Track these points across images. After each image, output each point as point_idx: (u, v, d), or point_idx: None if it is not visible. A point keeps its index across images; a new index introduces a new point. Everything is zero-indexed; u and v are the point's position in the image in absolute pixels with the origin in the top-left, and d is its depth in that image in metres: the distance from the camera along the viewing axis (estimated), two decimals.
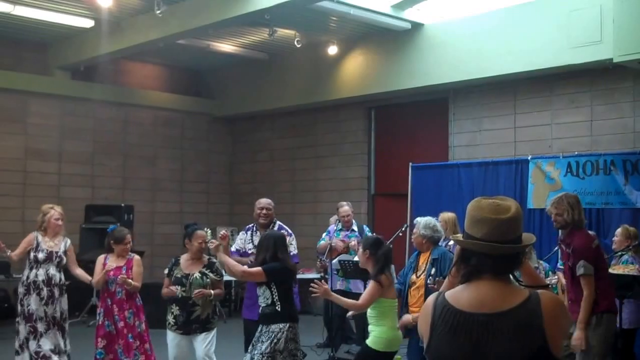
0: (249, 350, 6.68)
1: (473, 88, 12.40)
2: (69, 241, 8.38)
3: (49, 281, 8.04)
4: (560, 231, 6.84)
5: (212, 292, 7.03)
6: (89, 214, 13.28)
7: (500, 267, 2.60)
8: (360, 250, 6.67)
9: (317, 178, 15.19)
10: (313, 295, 6.50)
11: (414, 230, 7.46)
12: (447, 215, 9.29)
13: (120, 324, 7.68)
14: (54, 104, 14.75)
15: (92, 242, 12.23)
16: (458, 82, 12.23)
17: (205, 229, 7.21)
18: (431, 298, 2.68)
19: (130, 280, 7.56)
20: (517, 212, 2.64)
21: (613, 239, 8.51)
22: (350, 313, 7.23)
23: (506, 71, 11.49)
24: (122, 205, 13.56)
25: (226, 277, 13.38)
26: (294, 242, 8.42)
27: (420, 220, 7.43)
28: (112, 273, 7.68)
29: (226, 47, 14.51)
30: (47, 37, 14.16)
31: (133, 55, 14.60)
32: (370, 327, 6.54)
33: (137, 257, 7.95)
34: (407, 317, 6.77)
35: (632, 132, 10.63)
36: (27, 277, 8.03)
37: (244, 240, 8.47)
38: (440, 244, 8.79)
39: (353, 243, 10.11)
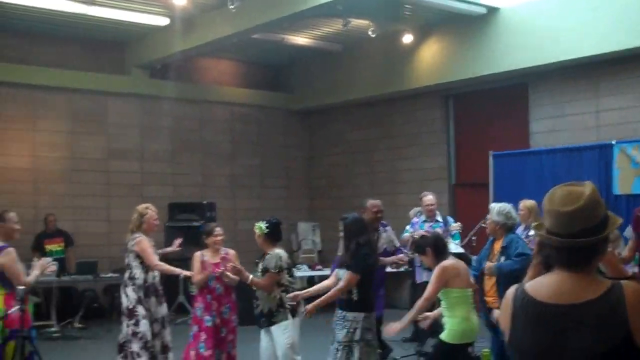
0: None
1: (553, 72, 12.12)
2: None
3: (160, 281, 8.18)
4: None
5: (248, 274, 7.04)
6: (173, 212, 13.46)
7: (574, 259, 2.53)
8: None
9: (395, 169, 15.09)
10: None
11: (488, 217, 7.37)
12: (529, 202, 9.13)
13: (217, 320, 7.76)
14: (132, 103, 15.03)
15: None
16: (537, 67, 11.97)
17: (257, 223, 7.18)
18: (511, 290, 2.68)
19: (228, 273, 7.52)
20: (589, 202, 2.53)
21: None
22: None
23: (587, 53, 11.21)
24: (204, 202, 13.70)
25: (304, 273, 13.49)
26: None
27: (494, 207, 7.35)
28: (211, 269, 7.76)
29: (300, 39, 14.54)
30: (123, 36, 14.41)
31: (208, 51, 14.71)
32: (443, 320, 6.48)
33: (232, 251, 8.02)
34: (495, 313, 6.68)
35: None
36: (145, 280, 7.98)
37: None
38: (521, 232, 8.67)
39: (437, 230, 10.02)
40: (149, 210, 8.20)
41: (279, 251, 7.08)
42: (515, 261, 6.85)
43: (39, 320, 10.71)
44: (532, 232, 8.29)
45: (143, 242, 7.99)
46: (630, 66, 11.26)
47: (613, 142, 10.66)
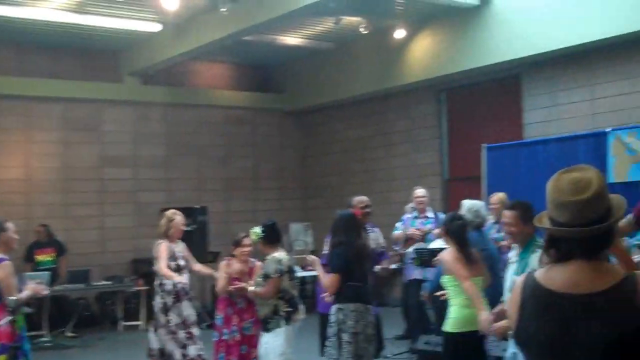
0: None
1: (546, 61, 11.88)
2: (183, 244, 8.32)
3: (190, 286, 8.14)
4: None
5: (246, 288, 7.01)
6: None
7: (592, 248, 2.45)
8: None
9: (390, 166, 14.93)
10: None
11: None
12: (502, 194, 9.27)
13: (237, 336, 7.59)
14: (126, 111, 14.98)
15: None
16: (530, 57, 11.73)
17: (252, 229, 7.07)
18: (520, 278, 2.57)
19: (245, 287, 7.21)
20: (599, 187, 2.45)
21: None
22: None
23: (580, 41, 10.95)
24: (196, 206, 13.58)
25: (301, 274, 13.37)
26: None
27: (465, 203, 7.42)
28: (234, 282, 7.55)
29: (291, 40, 14.46)
30: (116, 44, 14.35)
31: (200, 55, 14.61)
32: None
33: (259, 263, 7.61)
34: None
35: None
36: (174, 285, 7.90)
37: None
38: (490, 227, 8.69)
39: (429, 227, 9.88)
40: (177, 215, 8.18)
41: (278, 254, 6.82)
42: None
43: (31, 330, 10.53)
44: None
45: (160, 247, 7.94)
46: (623, 52, 11.00)
47: (608, 130, 10.45)
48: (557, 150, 10.95)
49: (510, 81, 12.72)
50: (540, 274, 2.51)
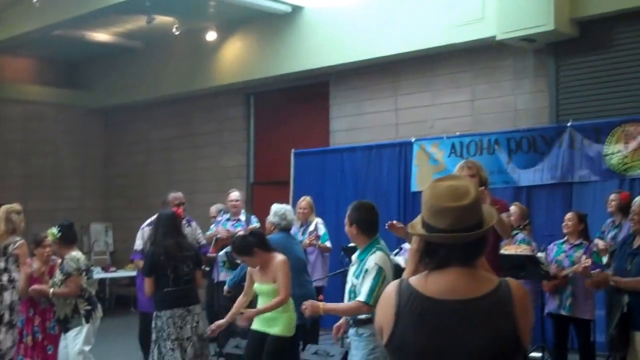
0: None
1: (354, 71, 12.13)
2: None
3: None
4: None
5: (48, 290, 6.87)
6: None
7: (469, 254, 2.51)
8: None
9: (194, 168, 14.77)
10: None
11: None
12: (309, 198, 9.56)
13: (40, 336, 7.35)
14: None
15: None
16: (339, 65, 11.94)
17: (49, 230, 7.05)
18: (393, 285, 2.53)
19: (45, 289, 7.00)
20: (476, 194, 2.52)
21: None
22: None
23: (387, 52, 11.27)
24: None
25: (97, 275, 13.01)
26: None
27: (273, 207, 7.62)
28: (35, 282, 7.30)
29: (101, 36, 14.06)
30: None
31: (6, 48, 13.89)
32: (274, 315, 6.26)
33: (60, 261, 7.33)
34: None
35: (513, 110, 10.51)
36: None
37: None
38: (297, 230, 8.94)
39: (239, 230, 9.82)
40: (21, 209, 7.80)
41: (75, 253, 6.94)
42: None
43: None
44: (312, 228, 9.14)
45: (25, 248, 7.63)
46: (426, 66, 11.39)
47: (412, 140, 10.83)
48: (363, 158, 11.24)
49: (319, 88, 12.88)
50: (416, 281, 2.50)
